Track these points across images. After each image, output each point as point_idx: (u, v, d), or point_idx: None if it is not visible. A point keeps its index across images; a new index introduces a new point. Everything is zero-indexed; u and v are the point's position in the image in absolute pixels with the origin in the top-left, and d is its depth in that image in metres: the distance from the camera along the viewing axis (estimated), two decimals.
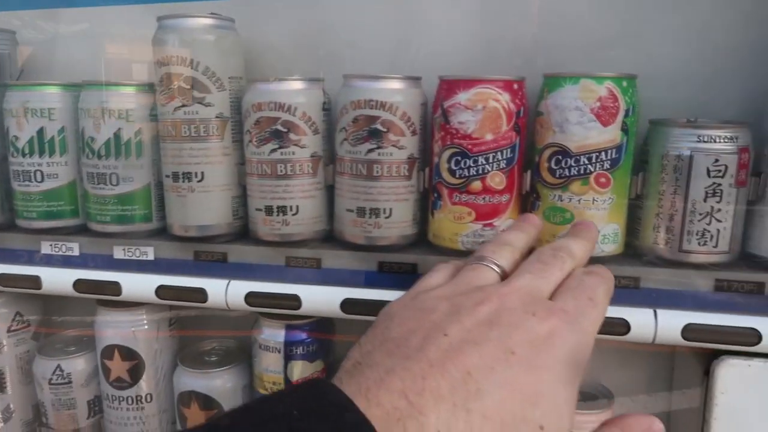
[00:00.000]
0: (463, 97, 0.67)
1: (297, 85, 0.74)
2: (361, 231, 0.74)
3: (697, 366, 0.71)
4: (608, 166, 0.65)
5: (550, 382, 0.36)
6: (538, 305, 0.40)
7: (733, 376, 0.66)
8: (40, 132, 0.82)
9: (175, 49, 0.74)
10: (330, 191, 0.77)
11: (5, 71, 0.88)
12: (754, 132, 0.65)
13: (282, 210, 0.75)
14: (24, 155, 0.83)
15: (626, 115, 0.65)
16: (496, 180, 0.68)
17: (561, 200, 0.67)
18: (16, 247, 0.86)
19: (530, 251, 0.50)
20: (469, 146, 0.67)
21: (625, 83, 0.64)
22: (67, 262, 0.84)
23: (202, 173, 0.77)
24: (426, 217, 0.75)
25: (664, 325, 0.65)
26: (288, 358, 0.81)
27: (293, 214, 0.75)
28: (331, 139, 0.76)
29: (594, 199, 0.66)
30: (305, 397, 0.33)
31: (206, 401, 0.85)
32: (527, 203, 0.72)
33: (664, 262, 0.68)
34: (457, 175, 0.69)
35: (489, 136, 0.67)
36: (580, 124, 0.64)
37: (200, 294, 0.78)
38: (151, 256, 0.81)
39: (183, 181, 0.77)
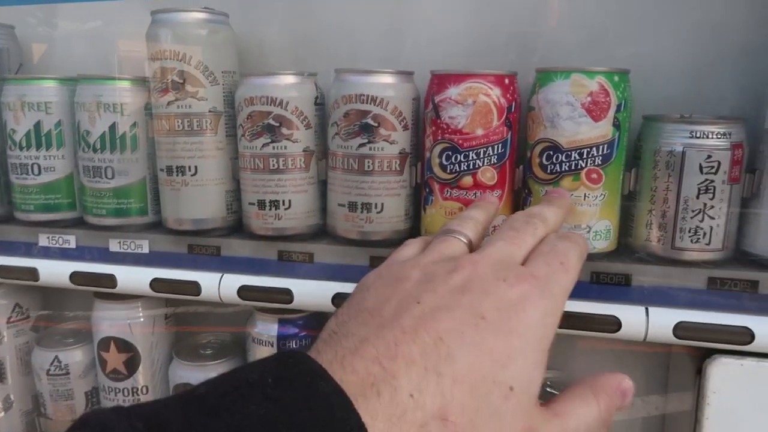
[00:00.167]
0: (453, 91, 0.66)
1: (289, 79, 0.73)
2: (353, 226, 0.73)
3: (691, 367, 0.70)
4: (600, 162, 0.65)
5: (519, 346, 0.37)
6: (509, 271, 0.41)
7: (725, 376, 0.65)
8: (37, 125, 0.83)
9: (168, 44, 0.74)
10: (323, 186, 0.77)
11: (4, 65, 0.88)
12: (748, 128, 0.64)
13: (275, 204, 0.75)
14: (21, 148, 0.83)
15: (618, 111, 0.64)
16: (488, 175, 0.68)
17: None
18: (15, 239, 0.87)
19: None
20: (460, 141, 0.67)
21: (616, 78, 0.63)
22: (64, 254, 0.85)
23: (196, 167, 0.77)
24: (419, 212, 0.75)
25: (656, 323, 0.65)
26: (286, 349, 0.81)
27: (286, 209, 0.75)
28: (324, 133, 0.76)
29: (585, 195, 0.65)
30: (280, 365, 0.34)
31: None
32: (519, 199, 0.71)
33: (656, 259, 0.67)
34: (448, 171, 0.68)
35: (480, 131, 0.67)
36: (571, 119, 0.64)
37: (194, 287, 0.78)
38: (146, 250, 0.82)
39: (177, 175, 0.77)
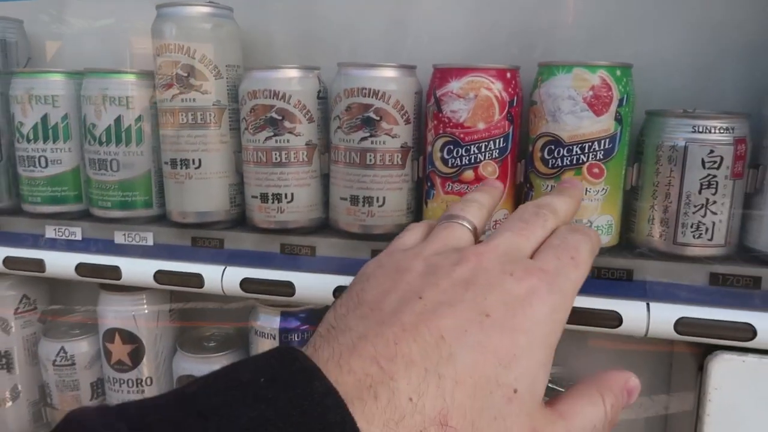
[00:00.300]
0: (455, 85, 0.66)
1: (292, 73, 0.74)
2: (355, 219, 0.74)
3: (693, 364, 0.70)
4: (601, 156, 0.64)
5: (525, 345, 0.35)
6: (517, 264, 0.39)
7: (727, 372, 0.64)
8: (44, 118, 0.84)
9: (173, 38, 0.75)
10: (326, 179, 0.77)
11: (12, 59, 0.89)
12: (752, 123, 0.64)
13: (277, 197, 0.76)
14: (29, 141, 0.84)
15: (620, 105, 0.63)
16: (489, 169, 0.68)
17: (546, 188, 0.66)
18: (22, 231, 0.88)
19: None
20: (462, 135, 0.67)
21: (618, 72, 0.63)
22: (70, 246, 0.86)
23: (200, 160, 0.78)
24: (420, 206, 0.75)
25: (657, 318, 0.64)
26: (283, 344, 0.81)
27: (288, 202, 0.76)
28: (326, 127, 0.76)
29: (587, 190, 0.65)
30: (273, 364, 0.33)
31: None
32: (521, 193, 0.71)
33: (658, 254, 0.67)
34: (450, 165, 0.68)
35: (481, 125, 0.66)
36: (573, 114, 0.63)
37: (197, 279, 0.79)
38: (150, 242, 0.83)
39: (181, 168, 0.78)
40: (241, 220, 0.81)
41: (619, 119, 0.64)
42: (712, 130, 0.62)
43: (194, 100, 0.76)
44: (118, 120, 0.80)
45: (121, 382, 0.90)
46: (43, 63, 0.95)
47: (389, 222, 0.73)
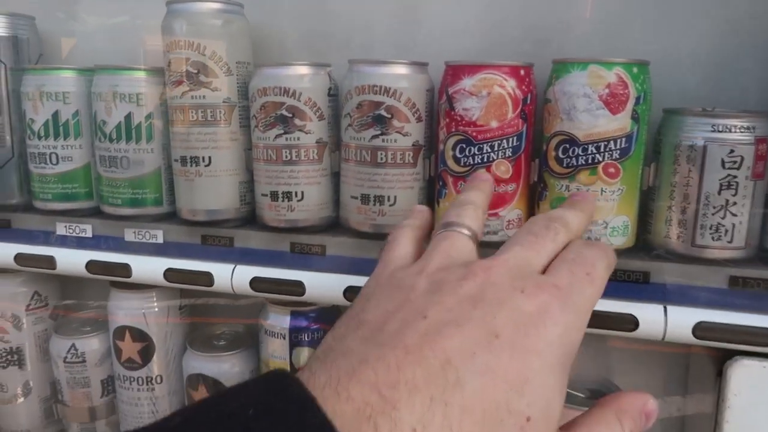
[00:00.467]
0: (467, 83, 0.65)
1: (302, 70, 0.73)
2: (365, 218, 0.73)
3: (711, 369, 0.68)
4: (617, 156, 0.63)
5: (538, 367, 0.33)
6: (528, 280, 0.36)
7: (746, 378, 0.63)
8: (55, 115, 0.84)
9: (183, 34, 0.74)
10: (336, 178, 0.77)
11: (24, 56, 0.89)
12: None
13: (287, 196, 0.75)
14: (40, 138, 0.84)
15: (637, 103, 0.62)
16: (502, 168, 0.67)
17: (568, 190, 0.65)
18: (33, 227, 0.88)
19: None
20: (474, 133, 0.66)
21: (635, 69, 0.61)
22: (80, 243, 0.86)
23: (210, 158, 0.77)
24: (432, 205, 0.73)
25: (675, 322, 0.63)
26: (293, 344, 0.81)
27: (298, 200, 0.75)
28: (337, 125, 0.75)
29: (602, 190, 0.64)
30: (264, 392, 0.31)
31: (214, 385, 0.85)
32: (535, 193, 0.70)
33: (676, 256, 0.65)
34: (462, 163, 0.67)
35: (494, 124, 0.65)
36: (588, 112, 0.62)
37: (207, 278, 0.78)
38: (160, 240, 0.82)
39: (191, 166, 0.77)
40: (251, 218, 0.81)
41: (635, 118, 0.62)
42: (732, 129, 0.60)
43: (204, 97, 0.75)
44: (128, 117, 0.80)
45: (131, 380, 0.90)
46: (54, 60, 0.95)
47: (400, 221, 0.72)
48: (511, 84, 0.64)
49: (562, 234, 0.42)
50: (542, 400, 0.33)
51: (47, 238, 0.87)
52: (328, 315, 0.82)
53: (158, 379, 0.90)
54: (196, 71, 0.75)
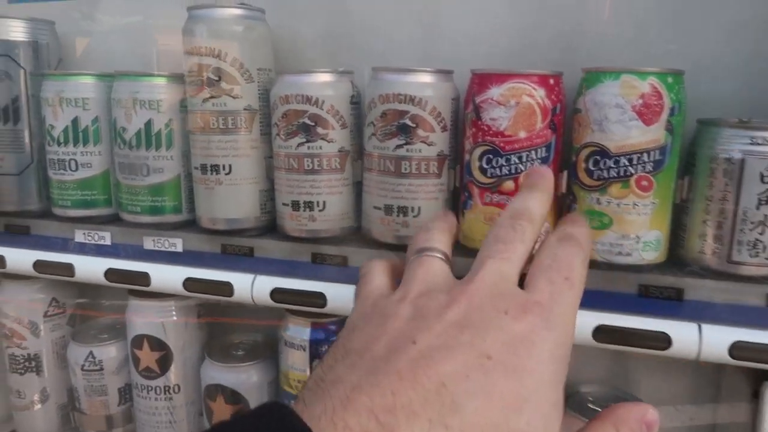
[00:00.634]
0: (495, 92, 0.63)
1: (325, 77, 0.71)
2: (389, 229, 0.71)
3: (746, 388, 0.66)
4: (651, 169, 0.61)
5: (533, 385, 0.33)
6: (509, 300, 0.36)
7: None
8: (75, 121, 0.83)
9: (204, 40, 0.73)
10: (358, 187, 0.75)
11: (43, 61, 0.89)
12: None
13: (309, 205, 0.74)
14: (59, 144, 0.84)
15: (671, 114, 0.60)
16: None
17: (599, 203, 0.63)
18: (52, 234, 0.87)
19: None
20: (502, 144, 0.64)
21: (670, 79, 0.59)
22: (99, 251, 0.85)
23: (230, 166, 0.76)
24: (457, 217, 0.72)
25: (710, 341, 0.61)
26: (313, 356, 0.80)
27: (320, 210, 0.74)
28: (359, 133, 0.74)
29: (635, 204, 0.62)
30: (259, 426, 0.31)
31: (232, 395, 0.84)
32: (563, 205, 0.68)
33: (710, 273, 0.63)
34: (489, 174, 0.65)
35: (523, 134, 0.63)
36: (621, 123, 0.60)
37: (227, 288, 0.77)
38: (179, 248, 0.81)
39: (211, 174, 0.76)
40: (271, 227, 0.80)
41: (670, 129, 0.60)
42: None
43: (225, 104, 0.74)
44: (148, 124, 0.79)
45: (149, 389, 0.89)
46: (74, 65, 0.95)
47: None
48: (540, 93, 0.63)
49: (529, 231, 0.41)
50: (540, 417, 0.33)
51: (66, 244, 0.86)
52: None
53: (176, 389, 0.89)
54: (216, 78, 0.73)
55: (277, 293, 0.75)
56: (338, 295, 0.73)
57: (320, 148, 0.72)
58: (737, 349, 0.59)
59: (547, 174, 0.46)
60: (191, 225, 0.82)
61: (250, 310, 0.89)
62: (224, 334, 0.95)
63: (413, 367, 0.33)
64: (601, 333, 0.63)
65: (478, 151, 0.66)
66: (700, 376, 0.78)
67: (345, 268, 0.74)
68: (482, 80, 0.64)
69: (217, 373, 0.85)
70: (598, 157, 0.62)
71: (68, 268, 0.84)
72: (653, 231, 0.63)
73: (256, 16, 0.75)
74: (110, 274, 0.82)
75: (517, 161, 0.64)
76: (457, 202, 0.71)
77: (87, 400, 0.94)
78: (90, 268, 0.84)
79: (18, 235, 0.89)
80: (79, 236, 0.86)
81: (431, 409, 0.31)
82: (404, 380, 0.32)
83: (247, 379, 0.85)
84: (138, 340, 0.88)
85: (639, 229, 0.62)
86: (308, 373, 0.80)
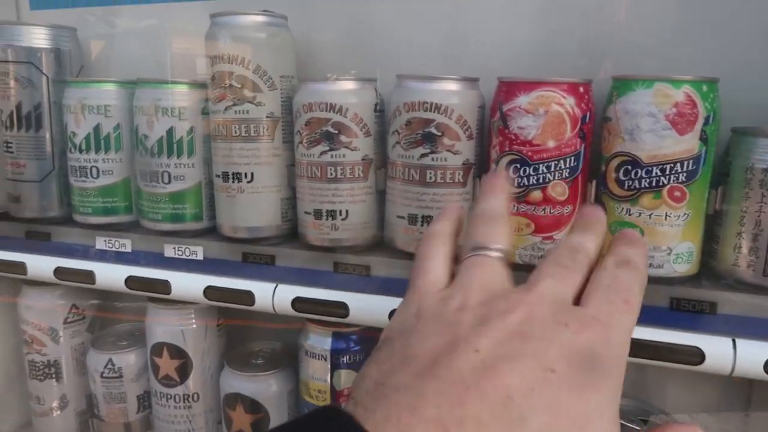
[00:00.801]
0: (523, 100, 0.62)
1: (348, 85, 0.71)
2: (413, 239, 0.70)
3: None
4: (684, 179, 0.59)
5: (595, 402, 0.32)
6: (569, 315, 0.35)
7: None
8: (97, 128, 0.83)
9: (227, 47, 0.73)
10: (381, 196, 0.74)
11: (65, 68, 0.89)
12: None
13: (331, 214, 0.73)
14: (81, 151, 0.84)
15: (706, 123, 0.58)
16: (558, 190, 0.64)
17: (629, 214, 0.62)
18: (73, 241, 0.87)
19: None
20: (529, 153, 0.63)
21: (705, 88, 0.58)
22: (120, 258, 0.85)
23: (252, 174, 0.75)
24: None
25: (745, 356, 0.59)
26: (334, 366, 0.79)
27: (342, 219, 0.73)
28: (383, 141, 0.73)
29: (667, 215, 0.60)
30: (318, 430, 0.30)
31: (252, 404, 0.84)
32: None
33: (745, 286, 0.61)
34: (516, 184, 0.64)
35: (551, 143, 0.62)
36: (653, 132, 0.59)
37: (248, 297, 0.76)
38: (200, 256, 0.81)
39: (233, 182, 0.76)
40: (292, 235, 0.79)
41: (704, 139, 0.59)
42: None
43: (247, 111, 0.74)
44: (170, 131, 0.78)
45: (168, 397, 0.88)
46: (95, 71, 0.95)
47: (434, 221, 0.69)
48: (569, 102, 0.61)
49: (586, 266, 0.40)
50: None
51: (87, 252, 0.86)
52: (369, 337, 0.80)
53: (195, 397, 0.89)
54: (239, 85, 0.73)
55: (298, 302, 0.74)
56: (361, 305, 0.72)
57: (343, 156, 0.71)
58: None
59: (602, 218, 0.45)
60: (212, 233, 0.82)
61: (271, 317, 0.88)
62: (243, 343, 0.94)
63: (478, 377, 0.32)
64: (632, 347, 0.61)
65: (504, 160, 0.65)
66: (730, 389, 0.77)
67: (367, 278, 0.73)
68: (510, 88, 0.63)
69: (237, 382, 0.84)
70: (629, 167, 0.61)
71: (89, 275, 0.84)
72: (685, 243, 0.61)
73: (278, 22, 0.75)
74: (130, 281, 0.82)
75: (545, 171, 0.63)
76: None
77: (106, 407, 0.94)
78: (110, 275, 0.83)
79: (39, 241, 0.89)
80: (100, 243, 0.85)
81: (499, 422, 0.30)
82: (471, 390, 0.31)
83: (266, 389, 0.84)
84: (158, 348, 0.87)
85: (671, 240, 0.61)
86: (329, 383, 0.79)
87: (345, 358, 0.78)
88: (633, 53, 0.72)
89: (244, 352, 0.91)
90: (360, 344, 0.79)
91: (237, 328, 0.94)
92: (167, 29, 0.94)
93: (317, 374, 0.80)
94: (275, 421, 0.84)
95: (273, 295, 0.75)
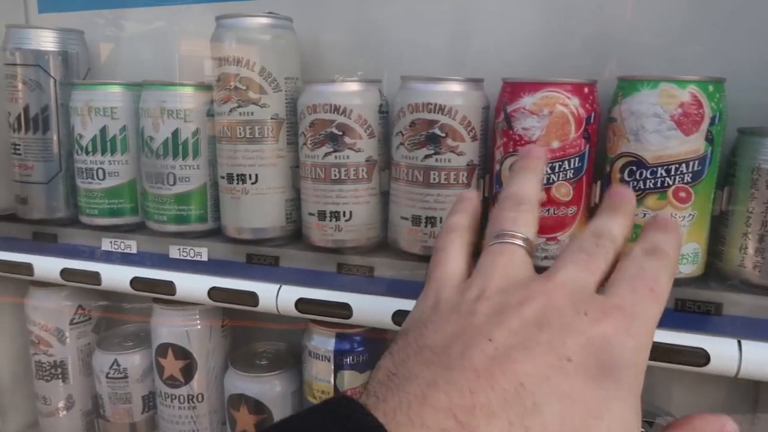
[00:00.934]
0: (528, 101, 0.62)
1: (353, 86, 0.71)
2: (416, 240, 0.70)
3: None
4: (689, 180, 0.59)
5: (614, 391, 0.32)
6: (590, 303, 0.35)
7: None
8: (103, 130, 0.83)
9: (232, 49, 0.73)
10: (385, 197, 0.74)
11: (73, 70, 0.89)
12: None
13: (335, 215, 0.73)
14: (87, 153, 0.84)
15: (712, 124, 0.58)
16: (562, 191, 0.63)
17: (635, 215, 0.61)
18: (79, 242, 0.88)
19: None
20: None
21: (711, 88, 0.58)
22: (125, 259, 0.85)
23: (256, 175, 0.75)
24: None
25: (750, 358, 0.58)
26: (338, 367, 0.79)
27: (346, 220, 0.73)
28: (387, 142, 0.73)
29: (672, 215, 0.60)
30: (329, 421, 0.30)
31: (255, 405, 0.84)
32: None
33: (751, 287, 0.61)
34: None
35: (555, 144, 0.62)
36: (658, 133, 0.58)
37: (251, 297, 0.76)
38: (205, 257, 0.81)
39: (237, 183, 0.76)
40: (296, 236, 0.79)
41: (710, 139, 0.59)
42: None
43: (252, 113, 0.74)
44: (175, 133, 0.79)
45: (173, 397, 0.89)
46: (102, 73, 0.95)
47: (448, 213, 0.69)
48: (574, 102, 0.61)
49: (612, 252, 0.39)
50: (622, 424, 0.31)
51: (93, 253, 0.86)
52: (373, 337, 0.79)
53: (199, 398, 0.89)
54: (244, 87, 0.73)
55: (301, 303, 0.74)
56: (364, 306, 0.72)
57: (347, 157, 0.71)
58: None
59: (630, 198, 0.44)
60: (217, 234, 0.82)
61: (275, 318, 0.89)
62: (248, 344, 0.94)
63: (490, 365, 0.31)
64: None
65: (509, 161, 0.64)
66: (736, 391, 0.76)
67: (371, 279, 0.73)
68: (514, 89, 0.63)
69: (241, 383, 0.85)
70: (633, 168, 0.60)
71: (95, 277, 0.84)
72: (691, 243, 0.61)
73: (283, 24, 0.75)
74: (136, 282, 0.82)
75: (549, 172, 0.63)
76: (486, 212, 0.70)
77: (111, 408, 0.94)
78: (116, 276, 0.84)
79: (46, 242, 0.89)
80: (106, 244, 0.86)
81: (511, 410, 0.30)
82: (482, 378, 0.31)
83: (270, 389, 0.84)
84: (162, 349, 0.88)
85: None
86: (332, 384, 0.79)
87: (348, 359, 0.78)
88: (639, 53, 0.72)
89: (249, 353, 0.91)
90: (363, 345, 0.79)
91: (242, 329, 0.94)
92: (174, 32, 0.95)
93: (320, 375, 0.79)
94: None
95: (277, 296, 0.75)
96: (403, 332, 0.38)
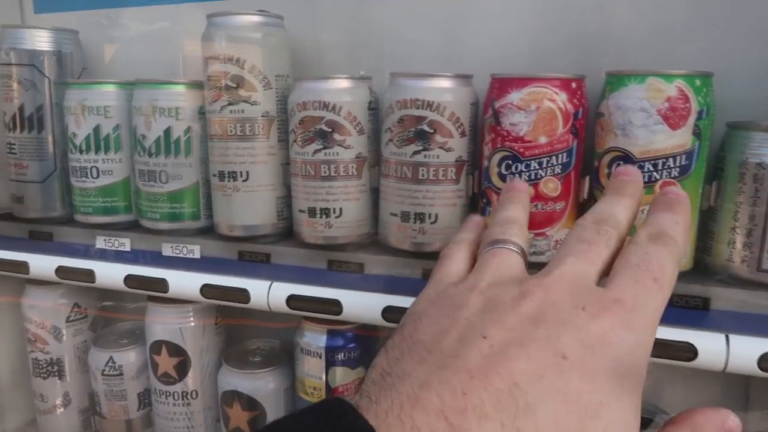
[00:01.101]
0: (515, 96, 0.62)
1: (342, 83, 0.71)
2: (405, 236, 0.70)
3: None
4: (677, 174, 0.59)
5: (611, 389, 0.31)
6: (588, 297, 0.33)
7: None
8: (97, 129, 0.84)
9: (222, 47, 0.73)
10: (375, 194, 0.74)
11: (67, 70, 0.90)
12: None
13: (325, 212, 0.73)
14: (81, 152, 0.85)
15: (699, 118, 0.58)
16: (550, 186, 0.63)
17: None
18: (74, 240, 0.88)
19: None
20: (521, 149, 0.63)
21: (698, 82, 0.57)
22: (119, 257, 0.85)
23: (247, 173, 0.76)
24: None
25: (738, 352, 0.58)
26: (329, 363, 0.79)
27: (336, 217, 0.73)
28: (377, 139, 0.73)
29: None
30: (320, 423, 0.29)
31: (248, 402, 0.84)
32: (584, 211, 0.66)
33: (739, 281, 0.60)
34: (508, 181, 0.64)
35: (543, 139, 0.62)
36: (645, 127, 0.58)
37: (243, 294, 0.77)
38: (197, 255, 0.81)
39: (228, 181, 0.76)
40: (287, 233, 0.79)
41: (697, 133, 0.58)
42: None
43: (243, 111, 0.74)
44: (167, 131, 0.79)
45: (167, 394, 0.89)
46: (97, 73, 0.96)
47: (442, 240, 0.69)
48: (561, 98, 0.61)
49: (614, 238, 0.38)
50: (620, 423, 0.31)
51: (87, 251, 0.87)
52: (364, 334, 0.80)
53: (194, 395, 0.89)
54: (235, 85, 0.73)
55: (293, 300, 0.74)
56: (354, 302, 0.72)
57: (337, 154, 0.71)
58: (767, 361, 0.57)
59: (636, 177, 0.43)
60: (209, 231, 0.83)
61: (268, 315, 0.89)
62: (241, 341, 0.95)
63: (484, 364, 0.31)
64: None
65: (497, 157, 0.65)
66: (727, 388, 0.76)
67: (361, 276, 0.73)
68: (502, 85, 0.63)
69: (234, 380, 0.85)
70: (621, 162, 0.60)
71: (89, 274, 0.85)
72: None
73: (274, 22, 0.75)
74: (129, 280, 0.82)
75: (537, 167, 0.63)
76: (475, 208, 0.70)
77: (107, 405, 0.95)
78: (110, 274, 0.84)
79: (41, 241, 0.90)
80: (100, 243, 0.86)
81: (503, 411, 0.29)
82: (475, 378, 0.30)
83: (263, 386, 0.84)
84: (156, 346, 0.88)
85: None
86: (324, 380, 0.79)
87: (340, 356, 0.78)
88: (627, 49, 0.72)
89: (242, 350, 0.91)
90: (355, 342, 0.79)
91: (235, 327, 0.95)
92: (169, 31, 0.95)
93: (312, 371, 0.80)
94: (272, 418, 0.84)
95: (268, 293, 0.75)
96: (400, 326, 0.38)
